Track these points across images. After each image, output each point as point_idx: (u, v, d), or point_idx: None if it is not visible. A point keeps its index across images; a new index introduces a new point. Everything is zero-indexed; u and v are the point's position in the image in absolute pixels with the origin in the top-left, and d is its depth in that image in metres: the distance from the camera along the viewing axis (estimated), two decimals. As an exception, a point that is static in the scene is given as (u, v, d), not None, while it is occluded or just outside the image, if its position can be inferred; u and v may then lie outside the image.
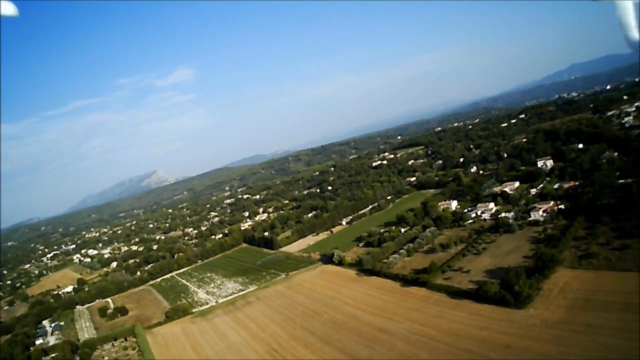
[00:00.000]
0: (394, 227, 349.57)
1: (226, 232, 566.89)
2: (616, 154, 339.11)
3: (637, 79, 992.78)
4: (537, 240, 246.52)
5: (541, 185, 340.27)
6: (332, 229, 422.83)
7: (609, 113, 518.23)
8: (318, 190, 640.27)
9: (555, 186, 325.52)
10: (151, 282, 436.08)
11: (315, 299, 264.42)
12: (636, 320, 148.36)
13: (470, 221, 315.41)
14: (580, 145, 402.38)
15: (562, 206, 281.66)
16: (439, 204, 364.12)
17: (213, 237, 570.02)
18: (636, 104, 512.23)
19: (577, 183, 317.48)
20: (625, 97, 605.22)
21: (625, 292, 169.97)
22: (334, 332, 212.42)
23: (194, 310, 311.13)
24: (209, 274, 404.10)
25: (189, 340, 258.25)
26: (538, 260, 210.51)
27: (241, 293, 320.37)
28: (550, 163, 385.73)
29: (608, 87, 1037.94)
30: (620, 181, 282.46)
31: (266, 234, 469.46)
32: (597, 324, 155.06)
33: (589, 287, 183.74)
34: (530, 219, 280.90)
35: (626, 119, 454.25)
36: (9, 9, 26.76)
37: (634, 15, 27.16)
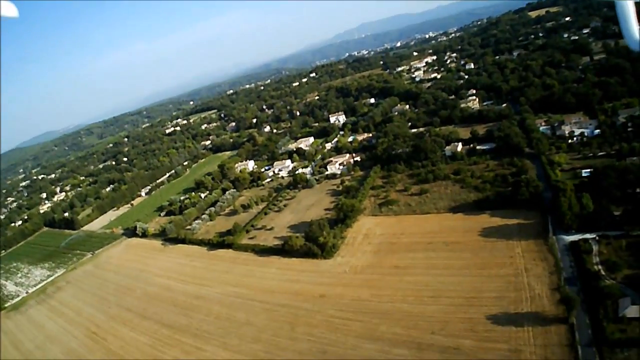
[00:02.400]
0: (193, 193, 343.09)
1: (25, 217, 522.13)
2: (407, 106, 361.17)
3: (427, 36, 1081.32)
4: (336, 193, 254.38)
5: (335, 139, 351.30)
6: (132, 202, 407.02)
7: (399, 69, 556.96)
8: (114, 163, 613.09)
9: (350, 139, 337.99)
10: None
11: (125, 275, 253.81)
12: (440, 257, 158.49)
13: (269, 180, 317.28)
14: (372, 100, 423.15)
15: (358, 158, 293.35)
16: (236, 165, 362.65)
17: (13, 224, 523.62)
18: (425, 60, 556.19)
19: (370, 135, 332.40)
20: (415, 54, 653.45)
21: (427, 232, 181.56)
22: (149, 305, 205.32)
23: (6, 305, 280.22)
24: (14, 264, 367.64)
25: (7, 338, 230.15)
26: (339, 211, 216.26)
27: (50, 279, 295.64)
28: (342, 118, 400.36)
29: (398, 44, 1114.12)
30: (412, 131, 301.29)
31: (66, 214, 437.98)
32: (404, 264, 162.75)
33: (392, 231, 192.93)
34: (328, 172, 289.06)
35: (416, 74, 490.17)
36: (10, 10, 26.65)
37: (634, 15, 25.40)
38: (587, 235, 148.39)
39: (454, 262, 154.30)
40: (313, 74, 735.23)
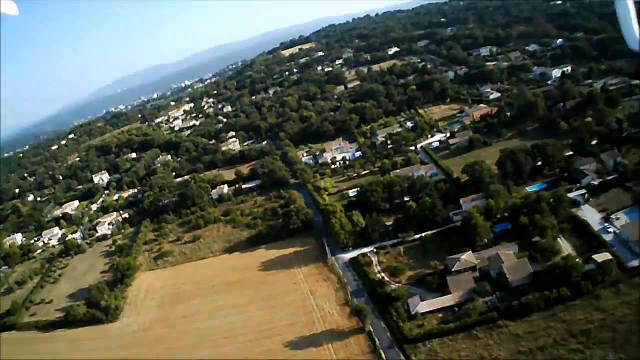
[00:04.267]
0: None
1: None
2: (169, 156, 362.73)
3: (183, 85, 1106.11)
4: (110, 254, 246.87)
5: (101, 199, 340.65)
6: None
7: (158, 120, 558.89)
8: None
9: (115, 198, 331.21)
10: None
11: None
12: (225, 299, 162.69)
13: (40, 251, 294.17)
14: (134, 155, 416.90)
15: (126, 215, 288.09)
16: (4, 240, 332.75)
17: None
18: (183, 108, 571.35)
19: (136, 190, 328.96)
20: (172, 103, 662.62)
21: (207, 277, 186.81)
22: None
23: None
24: None
25: None
26: (116, 271, 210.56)
27: None
28: (106, 177, 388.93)
29: (155, 96, 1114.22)
30: (177, 180, 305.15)
31: None
32: (191, 312, 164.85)
33: (173, 282, 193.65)
34: (98, 234, 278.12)
35: (175, 123, 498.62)
36: (11, 9, 27.21)
37: (634, 15, 27.76)
38: (365, 250, 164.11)
39: (239, 301, 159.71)
40: (72, 135, 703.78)
